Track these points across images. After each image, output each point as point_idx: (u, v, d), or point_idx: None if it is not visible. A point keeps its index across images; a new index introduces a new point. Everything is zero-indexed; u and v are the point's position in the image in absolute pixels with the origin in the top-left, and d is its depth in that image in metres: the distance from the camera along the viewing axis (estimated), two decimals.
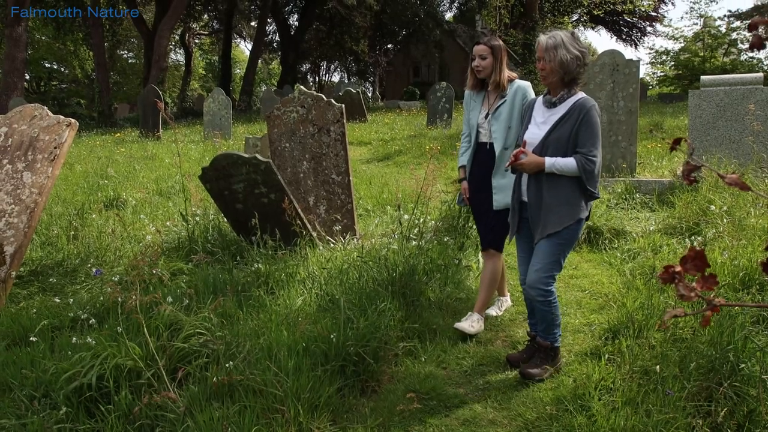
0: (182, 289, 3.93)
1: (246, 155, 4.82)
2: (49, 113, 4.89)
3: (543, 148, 3.10)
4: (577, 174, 3.02)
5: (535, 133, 3.17)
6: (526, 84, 3.77)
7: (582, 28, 42.68)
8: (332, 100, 5.61)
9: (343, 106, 5.63)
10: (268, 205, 4.89)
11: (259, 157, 4.83)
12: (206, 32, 45.56)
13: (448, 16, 40.53)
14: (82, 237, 5.57)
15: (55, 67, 44.24)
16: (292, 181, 5.67)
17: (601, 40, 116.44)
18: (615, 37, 41.14)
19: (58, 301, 3.99)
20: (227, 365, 2.93)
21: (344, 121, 5.58)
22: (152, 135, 15.09)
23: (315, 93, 5.67)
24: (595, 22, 40.83)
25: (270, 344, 3.22)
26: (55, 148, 4.64)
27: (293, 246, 4.73)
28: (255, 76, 34.61)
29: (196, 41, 46.86)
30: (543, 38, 3.08)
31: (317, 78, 46.21)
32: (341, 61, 43.87)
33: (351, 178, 5.59)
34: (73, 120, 4.78)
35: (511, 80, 3.77)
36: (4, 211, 4.46)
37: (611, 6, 34.23)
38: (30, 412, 2.73)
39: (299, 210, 4.93)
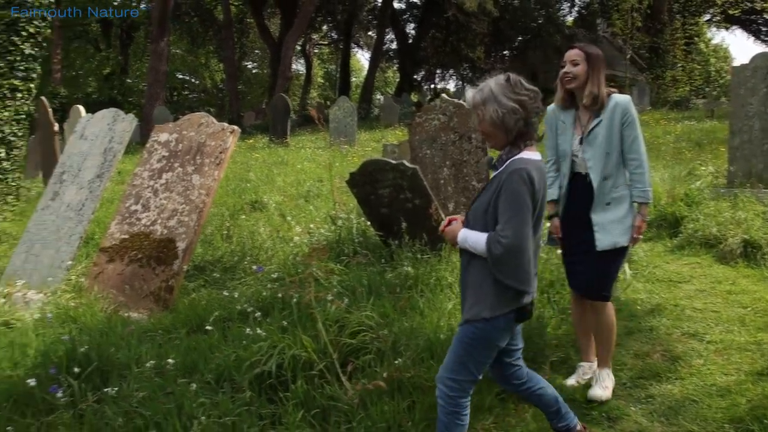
0: (337, 288, 4.13)
1: (393, 161, 4.99)
2: (214, 121, 5.30)
3: (468, 220, 2.49)
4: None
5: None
6: (625, 99, 3.13)
7: (715, 29, 40.19)
8: None
9: None
10: (413, 210, 5.02)
11: (406, 163, 4.97)
12: (326, 42, 47.14)
13: (568, 20, 39.47)
14: (235, 236, 5.98)
15: (187, 78, 47.48)
16: (432, 188, 5.77)
17: (736, 41, 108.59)
18: (752, 38, 38.27)
19: (227, 294, 4.30)
20: (396, 362, 3.06)
21: None
22: (281, 141, 15.84)
23: (457, 100, 5.76)
24: (729, 22, 38.20)
25: (431, 344, 3.32)
26: (221, 152, 5.02)
27: (438, 251, 4.82)
28: (374, 84, 35.42)
29: (316, 51, 48.62)
30: (469, 94, 2.48)
31: (432, 85, 46.51)
32: (456, 68, 43.93)
33: None
34: (236, 127, 5.16)
35: (608, 95, 3.14)
36: (176, 210, 4.88)
37: (749, 4, 31.95)
38: (220, 394, 2.99)
39: (444, 216, 5.02)
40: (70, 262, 5.24)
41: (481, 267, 2.38)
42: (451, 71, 46.17)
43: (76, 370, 3.29)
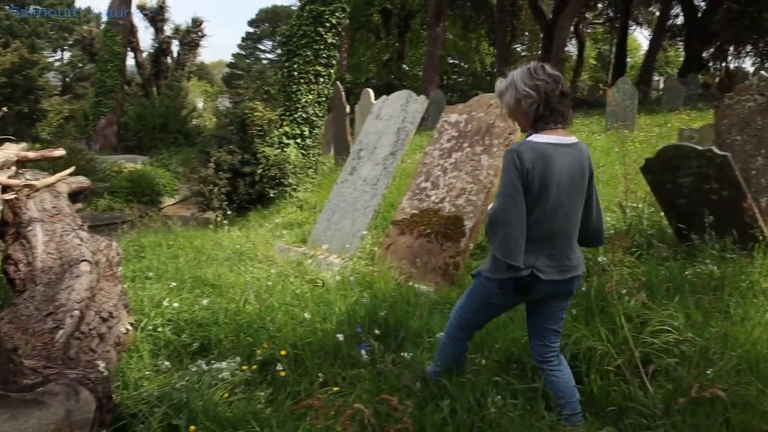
0: (629, 281, 3.86)
1: (699, 147, 4.50)
2: None
3: None
4: None
5: None
6: None
7: None
8: None
9: None
10: (718, 202, 4.48)
11: (714, 149, 4.46)
12: (600, 21, 44.66)
13: None
14: None
15: (456, 62, 48.82)
16: (741, 178, 5.10)
17: None
18: None
19: None
20: (707, 372, 2.76)
21: None
22: None
23: None
24: None
25: (748, 356, 2.93)
26: (510, 134, 5.02)
27: (749, 251, 4.24)
28: (654, 64, 32.67)
29: (588, 31, 46.36)
30: (497, 84, 2.72)
31: (723, 64, 41.29)
32: (754, 43, 38.33)
33: None
34: None
35: None
36: (464, 189, 5.01)
37: None
38: (510, 374, 3.00)
39: (757, 212, 4.40)
40: (364, 232, 5.73)
41: None
42: (748, 47, 40.51)
43: (377, 331, 3.57)
